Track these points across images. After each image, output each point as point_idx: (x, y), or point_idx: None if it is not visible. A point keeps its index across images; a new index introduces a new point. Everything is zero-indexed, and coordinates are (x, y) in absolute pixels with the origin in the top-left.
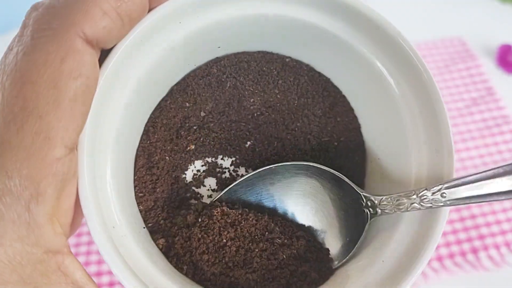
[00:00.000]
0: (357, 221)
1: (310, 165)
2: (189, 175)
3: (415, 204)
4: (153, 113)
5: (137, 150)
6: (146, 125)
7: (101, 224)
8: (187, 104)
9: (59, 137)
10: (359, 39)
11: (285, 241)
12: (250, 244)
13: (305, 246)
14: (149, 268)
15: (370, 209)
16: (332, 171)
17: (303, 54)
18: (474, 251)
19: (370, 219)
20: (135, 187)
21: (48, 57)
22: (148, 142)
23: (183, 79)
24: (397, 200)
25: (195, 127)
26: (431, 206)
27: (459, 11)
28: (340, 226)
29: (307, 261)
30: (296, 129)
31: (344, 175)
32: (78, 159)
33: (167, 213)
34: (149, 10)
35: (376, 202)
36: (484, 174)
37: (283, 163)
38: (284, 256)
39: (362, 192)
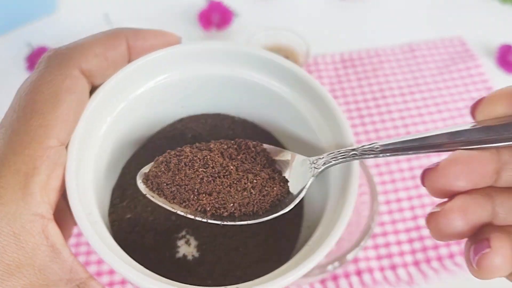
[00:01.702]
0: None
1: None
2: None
3: (355, 153)
4: (129, 159)
5: (114, 185)
6: (123, 168)
7: (80, 207)
8: (157, 155)
9: (55, 131)
10: (294, 96)
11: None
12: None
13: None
14: (120, 252)
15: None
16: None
17: (249, 114)
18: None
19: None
20: (109, 208)
21: (54, 78)
22: (124, 180)
23: (155, 133)
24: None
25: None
26: (364, 155)
27: (459, 11)
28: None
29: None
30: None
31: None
32: (67, 154)
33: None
34: (129, 61)
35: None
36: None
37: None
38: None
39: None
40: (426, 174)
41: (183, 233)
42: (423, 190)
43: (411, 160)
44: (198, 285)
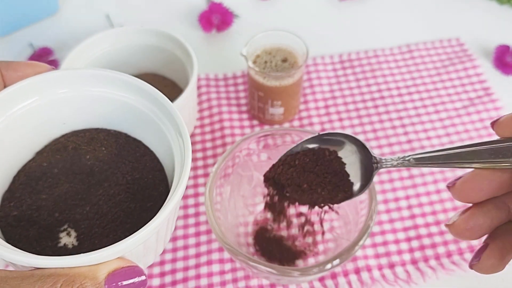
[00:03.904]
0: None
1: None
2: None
3: (396, 162)
4: (21, 168)
5: (5, 191)
6: (14, 176)
7: None
8: (45, 164)
9: None
10: (152, 111)
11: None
12: None
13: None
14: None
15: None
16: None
17: (121, 126)
18: (472, 249)
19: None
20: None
21: None
22: (14, 186)
23: (43, 148)
24: (390, 160)
25: (49, 179)
26: (403, 164)
27: (457, 12)
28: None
29: None
30: (118, 172)
31: (152, 202)
32: None
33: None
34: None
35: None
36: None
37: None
38: None
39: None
40: (448, 189)
41: (65, 226)
42: (421, 189)
43: None
44: None
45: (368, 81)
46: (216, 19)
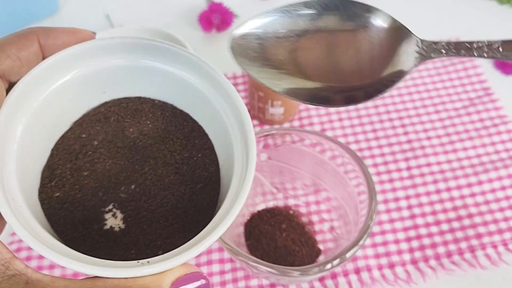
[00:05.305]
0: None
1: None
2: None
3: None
4: (58, 141)
5: (44, 166)
6: (52, 149)
7: (3, 196)
8: (84, 136)
9: None
10: (203, 86)
11: None
12: None
13: None
14: (42, 231)
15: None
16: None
17: (168, 97)
18: (472, 250)
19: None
20: (39, 188)
21: None
22: (52, 161)
23: (81, 116)
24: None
25: (89, 152)
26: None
27: (457, 11)
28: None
29: None
30: (165, 149)
31: (202, 184)
32: None
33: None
34: (44, 59)
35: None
36: None
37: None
38: None
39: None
40: None
41: (110, 207)
42: (421, 189)
43: (408, 159)
44: (122, 253)
45: None
46: (216, 19)
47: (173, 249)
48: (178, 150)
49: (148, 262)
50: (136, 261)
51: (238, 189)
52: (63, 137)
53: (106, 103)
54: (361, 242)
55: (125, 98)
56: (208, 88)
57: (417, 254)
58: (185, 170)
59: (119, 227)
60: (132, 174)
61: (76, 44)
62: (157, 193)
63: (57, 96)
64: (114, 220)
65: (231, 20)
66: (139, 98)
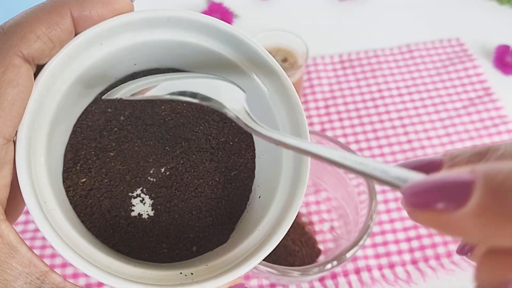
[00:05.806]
0: None
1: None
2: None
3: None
4: (80, 116)
5: (66, 146)
6: (74, 126)
7: (34, 198)
8: (109, 110)
9: None
10: (243, 63)
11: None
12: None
13: None
14: (76, 237)
15: None
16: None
17: (203, 72)
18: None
19: None
20: (63, 173)
21: None
22: (76, 140)
23: (106, 89)
24: None
25: (115, 129)
26: None
27: (457, 12)
28: None
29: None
30: (199, 131)
31: (236, 171)
32: (16, 148)
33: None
34: (76, 34)
35: None
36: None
37: None
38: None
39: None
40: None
41: (138, 192)
42: None
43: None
44: (153, 247)
45: (368, 81)
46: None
47: (207, 244)
48: (214, 133)
49: (192, 274)
50: (179, 272)
51: (291, 193)
52: (86, 111)
53: (135, 74)
54: (361, 242)
55: (156, 69)
56: (250, 66)
57: (417, 254)
58: (220, 157)
59: (148, 214)
60: (162, 156)
61: (111, 16)
62: (191, 181)
63: (86, 75)
64: (142, 206)
65: (231, 20)
66: (172, 69)
